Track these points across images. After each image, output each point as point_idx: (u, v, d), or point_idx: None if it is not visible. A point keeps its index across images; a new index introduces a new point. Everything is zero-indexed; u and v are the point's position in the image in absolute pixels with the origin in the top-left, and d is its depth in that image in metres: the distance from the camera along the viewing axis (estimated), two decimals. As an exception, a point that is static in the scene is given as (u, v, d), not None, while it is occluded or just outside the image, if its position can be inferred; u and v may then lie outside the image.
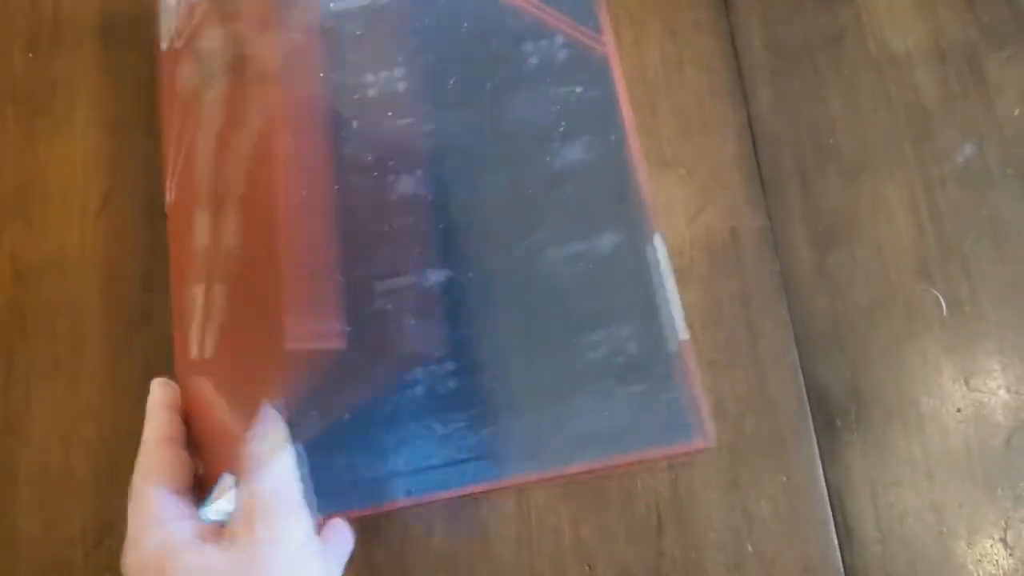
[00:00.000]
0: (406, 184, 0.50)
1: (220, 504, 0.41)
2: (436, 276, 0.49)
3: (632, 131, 0.51)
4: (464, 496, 0.47)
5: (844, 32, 0.54)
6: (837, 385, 0.48)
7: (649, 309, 0.48)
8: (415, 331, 0.49)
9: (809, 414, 0.48)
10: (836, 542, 0.46)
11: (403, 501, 0.46)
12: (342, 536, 0.45)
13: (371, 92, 0.53)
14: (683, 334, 0.47)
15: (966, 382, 0.48)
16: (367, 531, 0.48)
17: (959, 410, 0.47)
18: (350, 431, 0.48)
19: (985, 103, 0.53)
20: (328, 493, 0.47)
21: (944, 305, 0.49)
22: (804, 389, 0.48)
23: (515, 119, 0.51)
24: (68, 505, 0.48)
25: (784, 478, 0.47)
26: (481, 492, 0.46)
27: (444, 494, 0.47)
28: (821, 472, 0.47)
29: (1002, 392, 0.47)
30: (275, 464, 0.39)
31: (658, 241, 0.48)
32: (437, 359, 0.49)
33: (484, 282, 0.49)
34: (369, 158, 0.52)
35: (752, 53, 0.54)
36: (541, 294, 0.49)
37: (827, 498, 0.47)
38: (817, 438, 0.48)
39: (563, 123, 0.51)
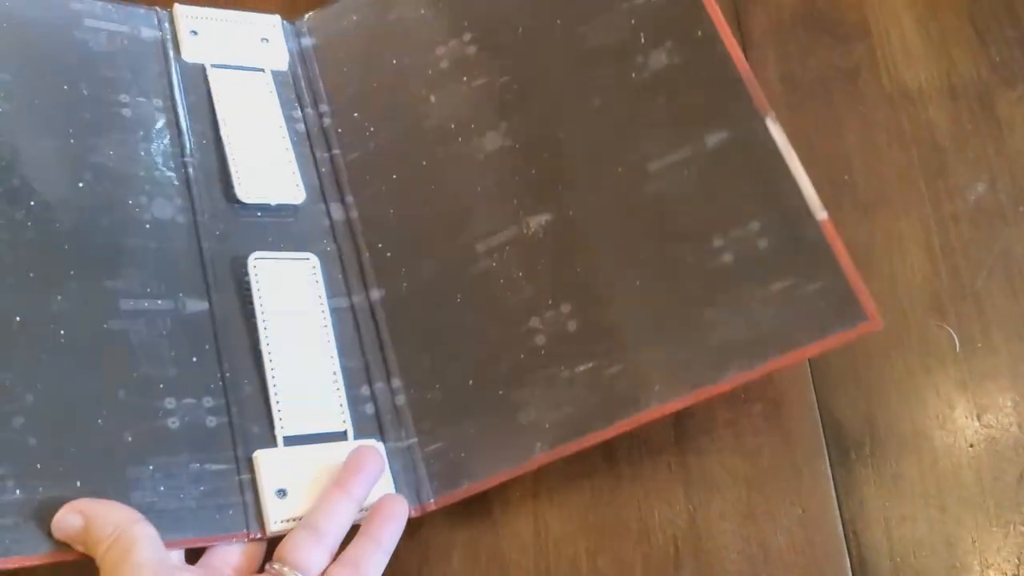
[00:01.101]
0: (492, 140, 0.50)
1: None
2: (536, 221, 0.48)
3: (719, 18, 0.47)
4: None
5: (859, 68, 0.55)
6: (852, 418, 0.49)
7: (775, 196, 0.43)
8: (524, 281, 0.48)
9: (825, 447, 0.49)
10: (850, 574, 0.46)
11: (541, 457, 0.45)
12: (391, 511, 0.44)
13: (443, 64, 0.53)
14: (820, 213, 0.42)
15: (978, 417, 0.49)
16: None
17: (971, 445, 0.48)
18: (474, 397, 0.47)
19: (997, 141, 0.53)
20: (462, 463, 0.46)
21: (957, 341, 0.50)
22: (820, 422, 0.49)
23: (593, 44, 0.49)
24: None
25: (800, 510, 0.47)
26: (625, 431, 0.44)
27: (583, 441, 0.44)
28: (836, 504, 0.47)
29: (1014, 428, 0.48)
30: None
31: (771, 122, 0.44)
32: (551, 304, 0.47)
33: (588, 216, 0.47)
34: (451, 126, 0.51)
35: (768, 87, 0.54)
36: (650, 212, 0.46)
37: (842, 530, 0.47)
38: (832, 471, 0.48)
39: (642, 34, 0.48)
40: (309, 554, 0.41)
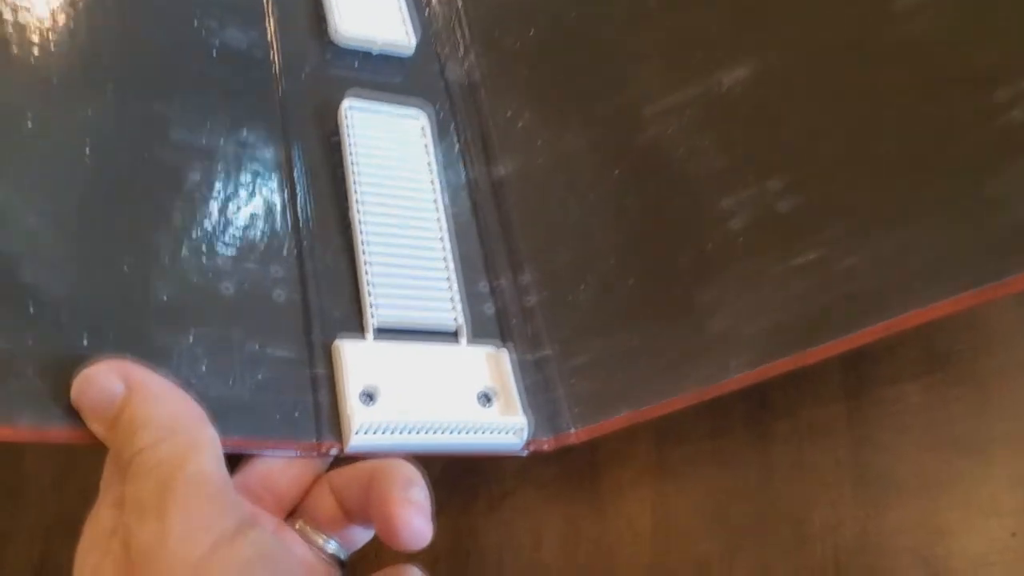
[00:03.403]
0: None
1: None
2: (732, 77, 0.39)
3: None
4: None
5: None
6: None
7: None
8: (714, 150, 0.39)
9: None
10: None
11: (737, 379, 0.35)
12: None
13: None
14: None
15: None
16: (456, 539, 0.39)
17: None
18: (639, 298, 0.38)
19: None
20: (618, 384, 0.37)
21: None
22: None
23: None
24: (81, 458, 0.41)
25: (1010, 533, 0.37)
26: (865, 343, 0.34)
27: (802, 357, 0.35)
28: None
29: None
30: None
31: None
32: (754, 179, 0.37)
33: (806, 66, 0.38)
34: None
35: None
36: (898, 58, 0.37)
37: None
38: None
39: None
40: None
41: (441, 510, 0.39)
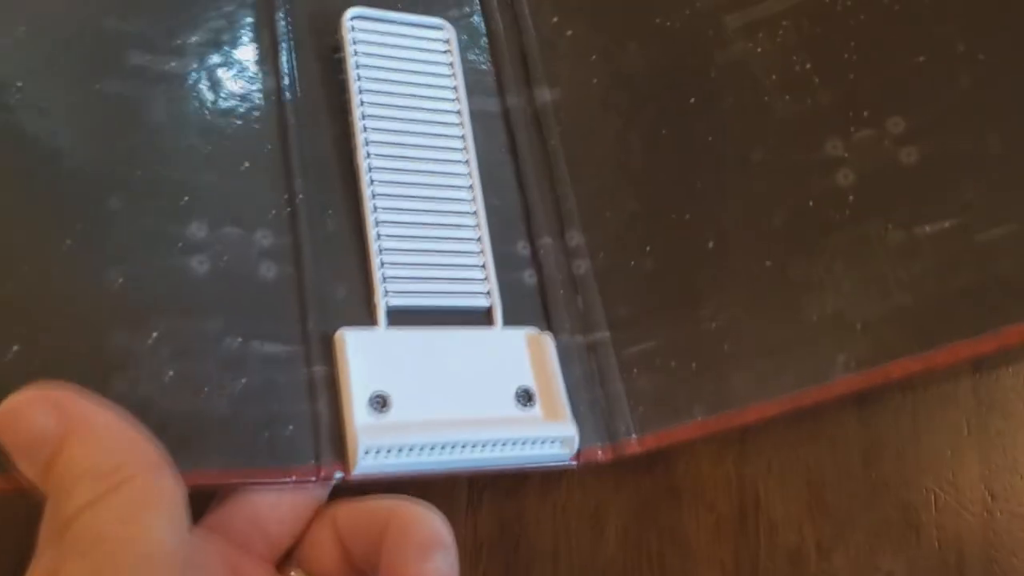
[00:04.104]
0: None
1: None
2: None
3: None
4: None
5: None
6: None
7: None
8: (816, 77, 0.33)
9: None
10: None
11: (845, 380, 0.31)
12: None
13: None
14: None
15: None
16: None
17: None
18: (717, 269, 0.33)
19: None
20: (691, 381, 0.32)
21: None
22: None
23: None
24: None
25: None
26: (1014, 344, 0.29)
27: (933, 357, 0.29)
28: None
29: None
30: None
31: None
32: (868, 116, 0.31)
33: None
34: None
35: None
36: None
37: None
38: None
39: None
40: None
41: (485, 493, 0.36)
